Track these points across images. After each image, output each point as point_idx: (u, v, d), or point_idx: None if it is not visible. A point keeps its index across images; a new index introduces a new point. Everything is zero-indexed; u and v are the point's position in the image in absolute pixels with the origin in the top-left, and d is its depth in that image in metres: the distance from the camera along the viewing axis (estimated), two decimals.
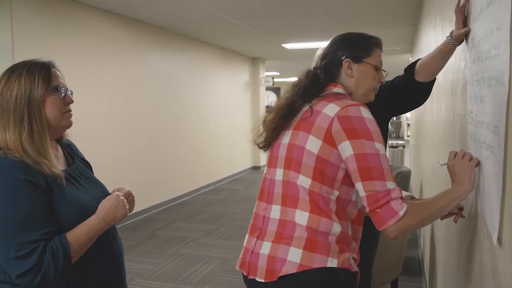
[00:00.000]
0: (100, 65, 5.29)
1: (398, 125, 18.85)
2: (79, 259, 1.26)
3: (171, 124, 6.94)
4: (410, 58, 9.38)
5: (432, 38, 3.45)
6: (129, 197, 1.43)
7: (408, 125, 16.65)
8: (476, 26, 1.36)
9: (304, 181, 1.36)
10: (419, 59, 1.91)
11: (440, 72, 1.91)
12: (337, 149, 1.32)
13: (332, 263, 1.31)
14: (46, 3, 4.53)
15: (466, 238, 1.58)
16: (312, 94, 1.46)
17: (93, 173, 1.53)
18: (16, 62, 4.10)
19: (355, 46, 1.52)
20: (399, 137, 18.21)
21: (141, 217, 5.90)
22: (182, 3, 5.12)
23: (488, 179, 1.15)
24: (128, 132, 5.84)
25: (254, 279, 1.39)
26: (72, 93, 1.39)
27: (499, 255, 1.04)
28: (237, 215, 6.12)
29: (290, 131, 1.45)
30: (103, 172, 1.46)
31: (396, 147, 8.67)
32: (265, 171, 1.55)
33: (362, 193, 1.28)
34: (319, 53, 1.98)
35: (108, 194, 1.43)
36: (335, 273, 1.32)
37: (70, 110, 1.37)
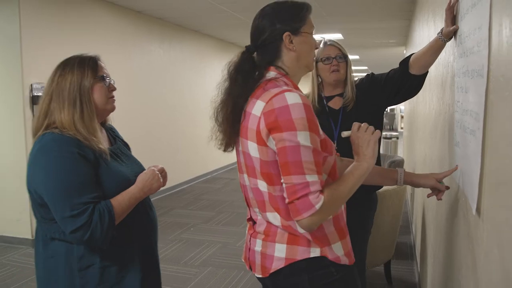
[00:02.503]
0: (102, 55, 5.38)
1: (392, 117, 19.06)
2: (121, 222, 1.49)
3: (169, 114, 7.08)
4: (404, 51, 9.53)
5: (425, 32, 3.61)
6: (162, 172, 1.65)
7: (402, 117, 16.86)
8: (463, 24, 1.52)
9: (262, 185, 1.36)
10: (413, 53, 2.07)
11: (432, 66, 2.06)
12: (267, 146, 1.30)
13: (315, 252, 1.33)
14: None
15: (453, 215, 1.75)
16: (251, 87, 1.38)
17: (131, 152, 1.79)
18: (23, 51, 4.24)
19: (291, 17, 1.40)
20: (392, 129, 18.43)
21: None
22: None
23: (470, 159, 1.31)
24: (126, 121, 5.95)
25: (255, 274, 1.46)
26: (114, 82, 1.63)
27: (478, 224, 1.21)
28: (235, 203, 6.28)
29: (239, 138, 1.41)
30: None
31: (389, 138, 8.87)
32: None
33: (283, 185, 1.27)
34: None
35: (143, 169, 1.66)
36: (320, 261, 1.34)
37: (113, 96, 1.63)
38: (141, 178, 1.57)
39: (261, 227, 1.42)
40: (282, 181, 1.27)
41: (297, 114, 1.24)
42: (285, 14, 1.40)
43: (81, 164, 1.43)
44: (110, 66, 1.73)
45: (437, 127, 2.50)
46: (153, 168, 1.62)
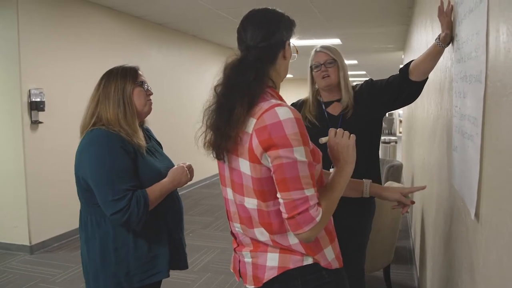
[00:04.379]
0: (101, 60, 5.40)
1: (391, 121, 19.10)
2: (153, 209, 1.70)
3: (168, 118, 7.08)
4: (403, 56, 9.57)
5: (423, 37, 3.62)
6: (190, 168, 1.88)
7: (400, 121, 16.89)
8: (461, 30, 1.52)
9: (250, 203, 1.33)
10: (413, 60, 2.08)
11: None
12: (261, 164, 1.27)
13: (307, 260, 1.34)
14: (51, 0, 4.66)
15: (451, 219, 1.75)
16: (255, 102, 1.30)
17: (163, 150, 2.02)
18: (21, 56, 4.29)
19: (288, 24, 1.42)
20: (391, 133, 18.46)
21: None
22: (181, 1, 5.25)
23: (468, 164, 1.31)
24: None
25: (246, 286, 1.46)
26: (151, 88, 1.85)
27: (477, 229, 1.21)
28: None
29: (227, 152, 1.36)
30: None
31: (388, 142, 8.90)
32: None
33: (280, 200, 1.25)
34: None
35: (173, 165, 1.88)
36: (313, 266, 1.35)
37: (150, 99, 1.85)
38: (171, 173, 1.80)
39: (245, 239, 1.42)
40: (278, 196, 1.26)
41: (291, 130, 1.22)
42: (286, 21, 1.42)
43: (123, 156, 1.65)
44: None
45: (435, 132, 2.51)
46: (182, 164, 1.86)
